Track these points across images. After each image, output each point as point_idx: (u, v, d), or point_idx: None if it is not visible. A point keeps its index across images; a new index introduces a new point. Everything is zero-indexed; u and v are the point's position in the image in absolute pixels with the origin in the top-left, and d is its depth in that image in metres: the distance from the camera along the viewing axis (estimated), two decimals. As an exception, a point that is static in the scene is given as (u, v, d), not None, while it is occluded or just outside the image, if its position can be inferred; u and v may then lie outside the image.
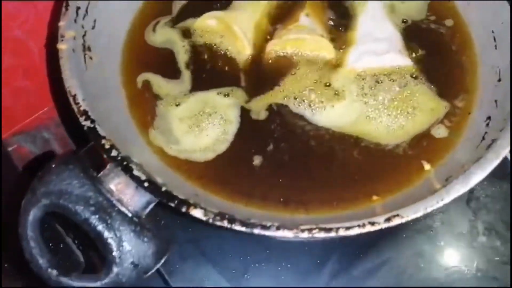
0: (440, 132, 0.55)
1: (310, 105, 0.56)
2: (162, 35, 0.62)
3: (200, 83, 0.58)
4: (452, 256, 0.62)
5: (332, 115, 0.55)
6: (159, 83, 0.58)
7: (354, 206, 0.51)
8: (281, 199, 0.52)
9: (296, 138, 0.55)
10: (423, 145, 0.54)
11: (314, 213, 0.51)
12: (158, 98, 0.57)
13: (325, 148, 0.55)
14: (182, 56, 0.60)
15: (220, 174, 0.53)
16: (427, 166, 0.53)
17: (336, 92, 0.56)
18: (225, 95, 0.57)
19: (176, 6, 0.64)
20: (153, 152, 0.54)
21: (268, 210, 0.51)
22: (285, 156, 0.54)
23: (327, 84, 0.57)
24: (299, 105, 0.56)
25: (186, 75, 0.59)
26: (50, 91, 0.71)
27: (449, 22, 0.62)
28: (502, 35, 0.56)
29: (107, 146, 0.46)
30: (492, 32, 0.57)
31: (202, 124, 0.56)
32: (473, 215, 0.63)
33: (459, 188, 0.45)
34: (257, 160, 0.54)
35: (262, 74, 0.59)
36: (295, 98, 0.56)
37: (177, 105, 0.57)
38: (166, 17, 0.63)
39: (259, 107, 0.57)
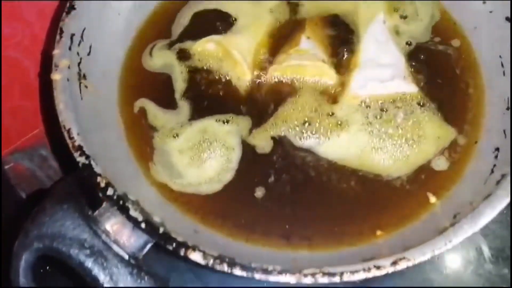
0: (440, 163, 0.53)
1: (313, 136, 0.54)
2: (160, 58, 0.60)
3: (198, 110, 0.57)
4: (459, 285, 0.60)
5: (336, 146, 0.54)
6: (155, 114, 0.56)
7: (358, 242, 0.49)
8: (283, 234, 0.50)
9: (298, 169, 0.53)
10: (427, 176, 0.53)
11: (318, 249, 0.49)
12: (154, 130, 0.56)
13: (327, 179, 0.53)
14: (180, 83, 0.58)
15: (221, 207, 0.52)
16: (432, 199, 0.51)
17: (340, 122, 0.54)
18: (224, 122, 0.56)
19: (176, 31, 0.62)
20: (151, 185, 0.52)
21: (270, 246, 0.49)
22: (287, 188, 0.53)
23: (330, 113, 0.55)
24: (301, 137, 0.54)
25: (184, 104, 0.57)
26: (41, 117, 0.70)
27: (455, 43, 0.60)
28: (510, 61, 0.54)
29: (102, 185, 0.45)
30: (500, 57, 0.56)
31: (204, 154, 0.54)
32: (480, 241, 0.62)
33: (468, 229, 0.43)
34: (259, 192, 0.52)
35: (262, 100, 0.57)
36: (296, 129, 0.55)
37: (174, 137, 0.55)
38: (164, 40, 0.61)
39: (262, 141, 0.55)
